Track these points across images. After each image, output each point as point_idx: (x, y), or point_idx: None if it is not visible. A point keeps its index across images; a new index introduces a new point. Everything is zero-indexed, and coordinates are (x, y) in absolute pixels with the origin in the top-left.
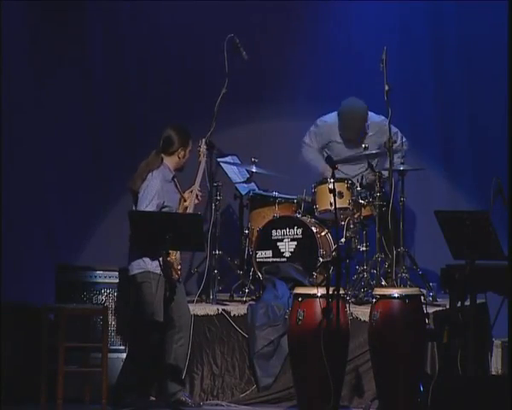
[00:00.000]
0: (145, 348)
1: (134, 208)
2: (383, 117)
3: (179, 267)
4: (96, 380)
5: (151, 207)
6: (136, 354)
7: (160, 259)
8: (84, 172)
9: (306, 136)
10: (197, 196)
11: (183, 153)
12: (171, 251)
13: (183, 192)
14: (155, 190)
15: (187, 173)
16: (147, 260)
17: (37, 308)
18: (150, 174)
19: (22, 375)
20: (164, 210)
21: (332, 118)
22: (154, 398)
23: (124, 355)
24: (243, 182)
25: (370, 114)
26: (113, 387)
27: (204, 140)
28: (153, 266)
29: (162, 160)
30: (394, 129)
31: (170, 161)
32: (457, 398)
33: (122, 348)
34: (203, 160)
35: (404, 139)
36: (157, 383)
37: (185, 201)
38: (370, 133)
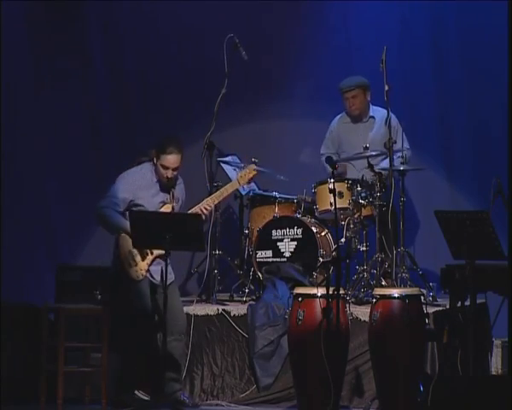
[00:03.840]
0: (133, 344)
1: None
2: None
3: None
4: (96, 380)
5: (108, 199)
6: (126, 350)
7: (146, 261)
8: (85, 172)
9: (322, 146)
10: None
11: (154, 160)
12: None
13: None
14: (122, 184)
15: None
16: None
17: (37, 308)
18: (129, 170)
19: (22, 375)
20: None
21: (338, 115)
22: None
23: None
24: None
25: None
26: (113, 387)
27: (254, 163)
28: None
29: (150, 160)
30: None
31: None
32: (457, 398)
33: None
34: (235, 183)
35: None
36: (153, 382)
37: (172, 209)
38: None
